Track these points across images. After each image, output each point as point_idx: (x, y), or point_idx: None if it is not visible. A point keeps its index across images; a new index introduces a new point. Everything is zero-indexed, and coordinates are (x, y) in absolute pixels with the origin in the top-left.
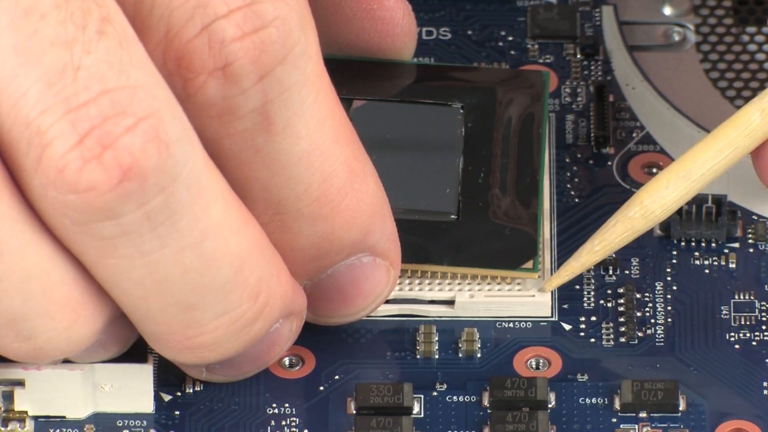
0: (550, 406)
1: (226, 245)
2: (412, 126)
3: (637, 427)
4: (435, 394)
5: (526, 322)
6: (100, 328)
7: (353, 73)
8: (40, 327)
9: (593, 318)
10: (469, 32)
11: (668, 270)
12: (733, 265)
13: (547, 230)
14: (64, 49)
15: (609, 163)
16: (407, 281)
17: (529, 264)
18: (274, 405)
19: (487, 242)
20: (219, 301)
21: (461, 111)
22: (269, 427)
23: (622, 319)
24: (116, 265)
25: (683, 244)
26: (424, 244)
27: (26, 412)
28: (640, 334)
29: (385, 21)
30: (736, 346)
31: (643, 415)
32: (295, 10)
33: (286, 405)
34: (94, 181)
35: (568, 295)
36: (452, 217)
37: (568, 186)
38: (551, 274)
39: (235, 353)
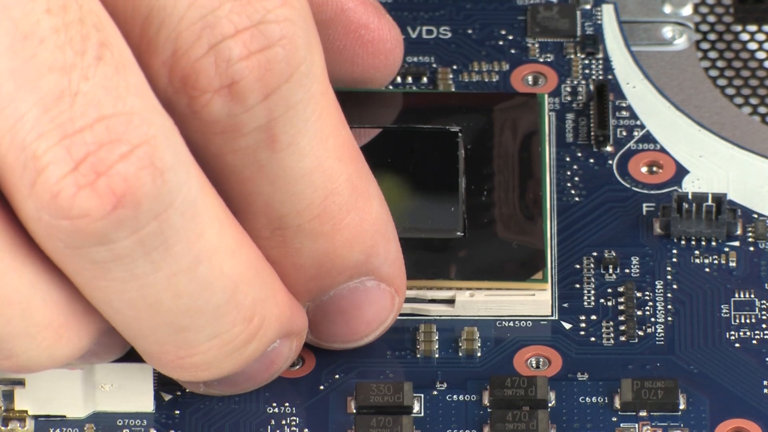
0: (550, 405)
1: (220, 269)
2: (412, 151)
3: (637, 426)
4: (435, 393)
5: (526, 321)
6: (85, 345)
7: (351, 104)
8: (20, 347)
9: (593, 317)
10: (469, 31)
11: (668, 269)
12: (733, 264)
13: (547, 229)
14: (62, 74)
15: (609, 161)
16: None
17: (539, 275)
18: (274, 404)
19: (496, 256)
20: (211, 324)
21: (460, 134)
22: (269, 427)
23: (622, 318)
24: (108, 287)
25: (683, 242)
26: (432, 260)
27: (26, 412)
28: (640, 333)
29: (375, 42)
30: (737, 345)
31: (643, 414)
32: (302, 29)
33: (286, 404)
34: (88, 208)
35: (568, 294)
36: (458, 234)
37: (568, 185)
38: (552, 274)
39: (229, 373)
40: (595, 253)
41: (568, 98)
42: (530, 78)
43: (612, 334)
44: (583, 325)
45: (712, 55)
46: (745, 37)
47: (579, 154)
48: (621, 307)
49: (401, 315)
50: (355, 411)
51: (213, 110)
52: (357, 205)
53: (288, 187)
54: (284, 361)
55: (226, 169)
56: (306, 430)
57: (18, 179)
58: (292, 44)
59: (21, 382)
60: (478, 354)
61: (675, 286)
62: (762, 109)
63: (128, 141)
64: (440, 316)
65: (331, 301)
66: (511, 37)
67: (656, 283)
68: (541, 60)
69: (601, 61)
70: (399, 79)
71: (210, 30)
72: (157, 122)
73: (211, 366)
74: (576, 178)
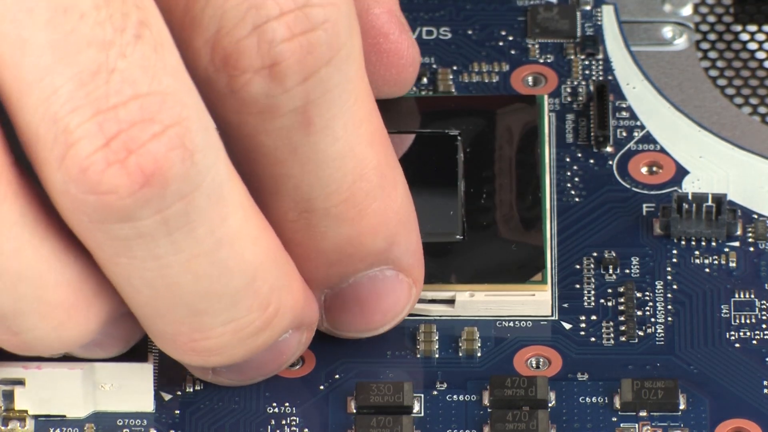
0: (550, 405)
1: (241, 255)
2: (412, 155)
3: (637, 426)
4: (435, 393)
5: (526, 321)
6: (93, 329)
7: None
8: (30, 324)
9: (593, 317)
10: (469, 32)
11: (668, 269)
12: (733, 264)
13: (547, 230)
14: (100, 50)
15: (609, 162)
16: None
17: (538, 276)
18: (275, 404)
19: (495, 259)
20: (228, 309)
21: (459, 138)
22: (269, 427)
23: (622, 318)
24: (129, 264)
25: (683, 243)
26: (432, 264)
27: (26, 411)
28: (640, 333)
29: (391, 53)
30: (737, 345)
31: (643, 414)
32: (345, 14)
33: (287, 404)
34: (116, 185)
35: (568, 294)
36: (458, 237)
37: (568, 185)
38: (552, 274)
39: (240, 359)
40: (595, 254)
41: (568, 99)
42: (530, 79)
43: (612, 334)
44: (583, 325)
45: (712, 55)
46: (745, 37)
47: (579, 155)
48: (621, 308)
49: None
50: (355, 411)
51: (252, 90)
52: (383, 193)
53: (318, 170)
54: (293, 352)
55: (258, 149)
56: (306, 430)
57: (48, 151)
58: (334, 28)
59: (21, 382)
60: (478, 354)
61: (675, 287)
62: (762, 109)
63: (161, 121)
64: (440, 316)
65: (349, 289)
66: (511, 38)
67: (656, 283)
68: (541, 61)
69: (601, 62)
70: None
71: (256, 10)
72: (191, 104)
73: (223, 351)
74: (576, 179)
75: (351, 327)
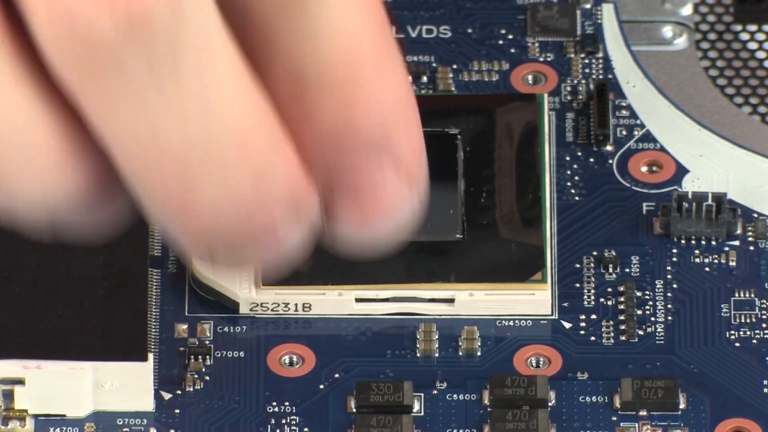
0: (550, 404)
1: (231, 110)
2: None
3: (637, 425)
4: (435, 392)
5: (526, 320)
6: (80, 184)
7: None
8: (14, 168)
9: (593, 316)
10: (469, 30)
11: (668, 268)
12: (733, 263)
13: (547, 228)
14: None
15: (609, 161)
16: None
17: (538, 276)
18: (274, 403)
19: (495, 258)
20: (217, 167)
21: (458, 136)
22: (269, 426)
23: (622, 318)
24: (117, 115)
25: (683, 242)
26: (432, 264)
27: (26, 411)
28: (640, 333)
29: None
30: (737, 344)
31: (643, 413)
32: None
33: (286, 403)
34: (102, 20)
35: (568, 294)
36: (458, 236)
37: (568, 184)
38: (552, 273)
39: (231, 224)
40: (595, 253)
41: (568, 97)
42: (530, 77)
43: (612, 334)
44: (583, 324)
45: (712, 54)
46: (745, 36)
47: (579, 154)
48: (621, 307)
49: (401, 314)
50: (355, 410)
51: None
52: (378, 72)
53: (311, 40)
54: (290, 237)
55: (252, 15)
56: (306, 429)
57: None
58: None
59: (21, 381)
60: (478, 353)
61: (675, 286)
62: (762, 109)
63: None
64: (440, 315)
65: (346, 178)
66: (511, 37)
67: (656, 282)
68: (541, 59)
69: (601, 61)
70: None
71: None
72: None
73: (213, 211)
74: (576, 178)
75: (349, 222)
